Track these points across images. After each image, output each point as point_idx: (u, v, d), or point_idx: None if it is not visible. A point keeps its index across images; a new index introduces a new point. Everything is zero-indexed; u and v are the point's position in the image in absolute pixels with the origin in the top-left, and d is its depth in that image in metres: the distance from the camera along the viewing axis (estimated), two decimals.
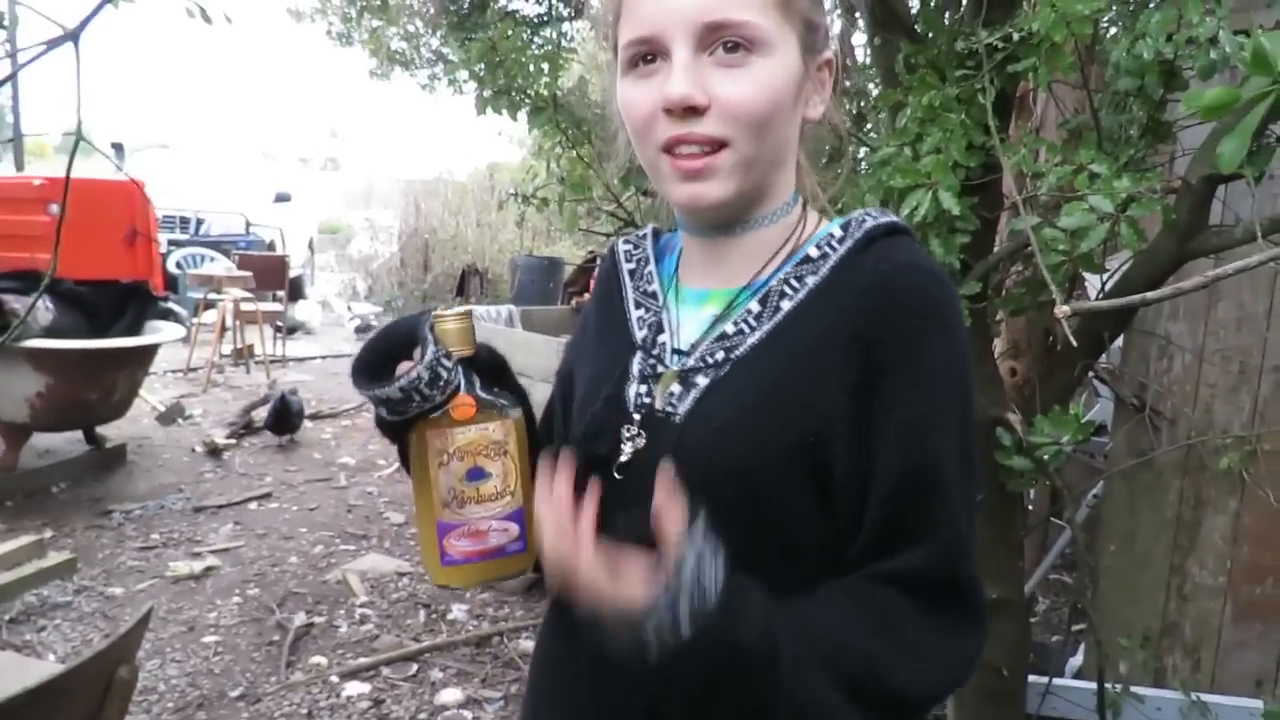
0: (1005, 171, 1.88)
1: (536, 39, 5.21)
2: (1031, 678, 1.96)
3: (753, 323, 0.74)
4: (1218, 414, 1.94)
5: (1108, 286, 1.86)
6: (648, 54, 0.71)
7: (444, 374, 0.71)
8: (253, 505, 3.90)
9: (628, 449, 0.75)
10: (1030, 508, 2.86)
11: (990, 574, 1.72)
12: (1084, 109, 2.00)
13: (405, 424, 0.74)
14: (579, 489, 0.76)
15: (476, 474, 0.74)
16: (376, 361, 0.75)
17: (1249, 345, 1.90)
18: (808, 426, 0.69)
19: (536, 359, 4.12)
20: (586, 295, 4.92)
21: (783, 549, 0.71)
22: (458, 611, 2.97)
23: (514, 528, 0.75)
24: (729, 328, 0.74)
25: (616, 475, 0.74)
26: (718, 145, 0.70)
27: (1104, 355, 2.33)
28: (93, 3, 1.15)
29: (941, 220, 1.67)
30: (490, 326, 4.73)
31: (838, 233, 0.75)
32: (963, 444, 0.70)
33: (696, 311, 0.78)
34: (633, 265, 0.86)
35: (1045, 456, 1.64)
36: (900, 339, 0.68)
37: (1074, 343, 1.62)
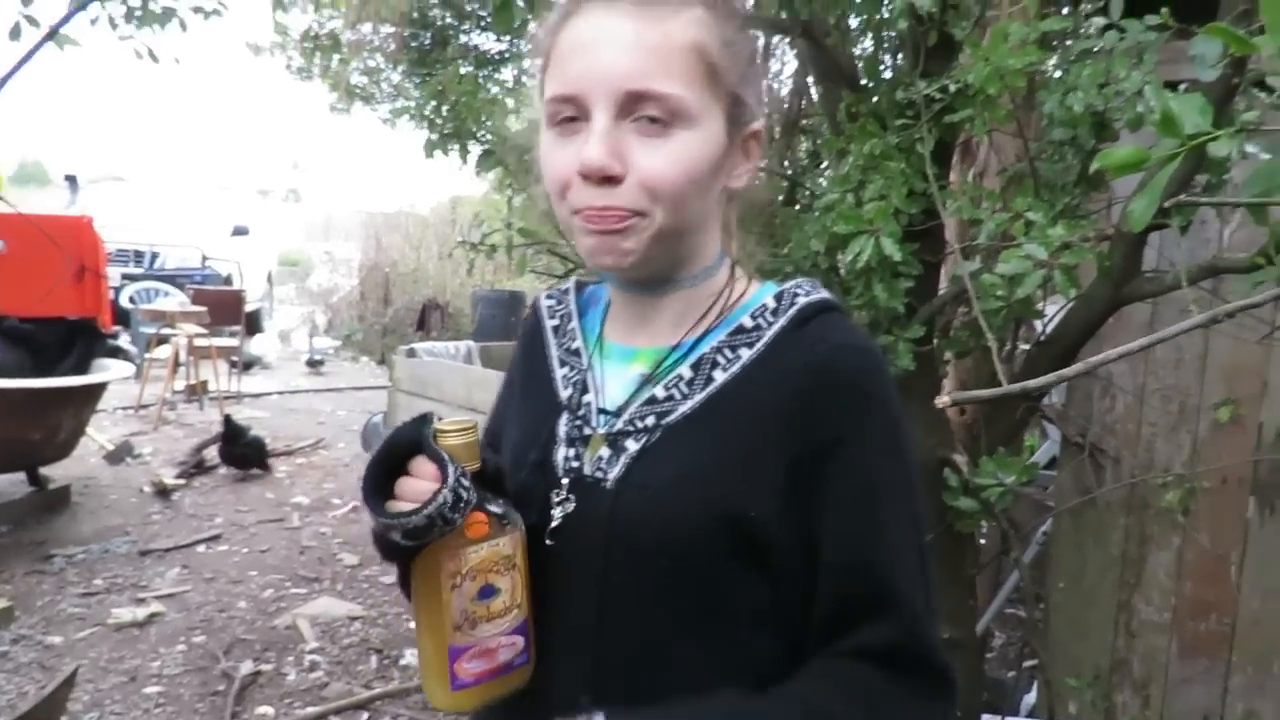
0: (945, 218, 1.93)
1: (497, 76, 5.23)
2: (985, 717, 1.97)
3: (685, 389, 0.74)
4: (1159, 452, 1.98)
5: (1047, 330, 1.91)
6: (570, 114, 0.70)
7: (464, 494, 0.68)
8: (201, 548, 3.80)
9: (558, 514, 0.74)
10: (983, 542, 2.89)
11: (942, 614, 1.73)
12: (1023, 157, 2.06)
13: (417, 548, 0.70)
14: None
15: (488, 592, 0.72)
16: (381, 480, 0.71)
17: (1187, 385, 1.95)
18: (744, 503, 0.69)
19: (493, 395, 4.10)
20: None
21: (718, 616, 0.71)
22: (410, 657, 2.92)
23: (520, 640, 0.73)
24: (659, 391, 0.74)
25: (548, 542, 0.73)
26: (635, 212, 0.69)
27: (1049, 395, 2.38)
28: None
29: (884, 265, 1.70)
30: (449, 364, 4.70)
31: (771, 303, 0.75)
32: (911, 514, 0.70)
33: (623, 370, 0.78)
34: (556, 321, 0.85)
35: (991, 498, 1.66)
36: (840, 419, 0.69)
37: (1004, 384, 1.66)
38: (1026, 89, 1.75)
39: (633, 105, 0.68)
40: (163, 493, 4.34)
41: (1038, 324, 2.01)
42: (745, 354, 0.74)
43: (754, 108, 0.74)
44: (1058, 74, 1.97)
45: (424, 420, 0.70)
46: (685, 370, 0.74)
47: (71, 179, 8.75)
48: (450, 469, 0.68)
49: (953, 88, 1.73)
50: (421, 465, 0.69)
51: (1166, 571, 1.97)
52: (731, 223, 0.79)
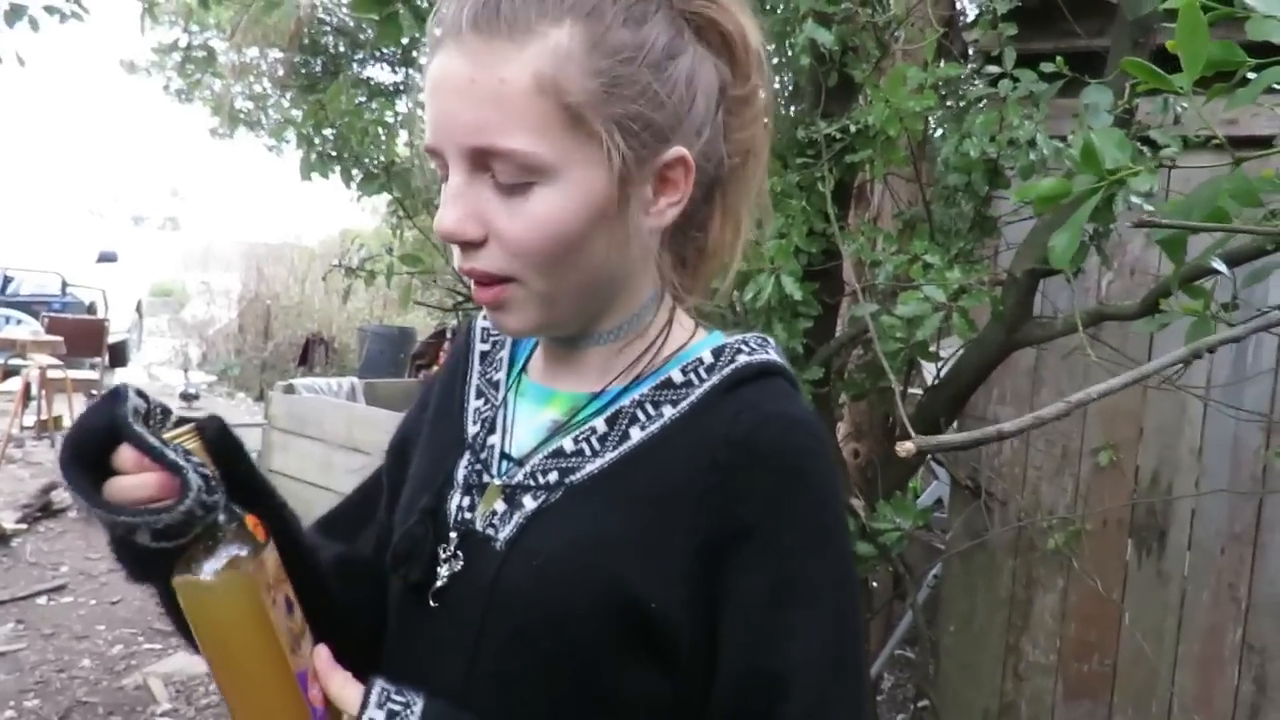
0: (845, 259, 1.93)
1: (394, 108, 5.12)
2: None
3: (596, 445, 0.65)
4: (1044, 495, 2.02)
5: (942, 373, 1.93)
6: (442, 167, 0.62)
7: (212, 481, 0.55)
8: (42, 600, 3.48)
9: (444, 572, 0.65)
10: (874, 585, 2.90)
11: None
12: (917, 201, 2.10)
13: (173, 556, 0.56)
14: (393, 615, 0.68)
15: (289, 605, 0.61)
16: (89, 476, 0.56)
17: (1069, 430, 2.00)
18: (643, 588, 0.60)
19: (377, 434, 3.92)
20: (435, 368, 4.76)
21: (602, 711, 0.62)
22: None
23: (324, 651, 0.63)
24: (567, 444, 0.65)
25: (432, 603, 0.65)
26: (504, 279, 0.61)
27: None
28: None
29: (785, 305, 1.69)
30: (330, 401, 4.49)
31: (707, 359, 0.66)
32: (835, 618, 0.60)
33: (535, 413, 0.69)
34: (487, 346, 0.76)
35: (888, 542, 1.65)
36: (756, 501, 0.60)
37: (910, 430, 1.65)
38: (922, 134, 1.78)
39: (484, 162, 0.60)
40: (1, 539, 3.96)
41: (930, 367, 2.04)
42: (668, 412, 0.64)
43: (665, 132, 0.62)
44: (952, 120, 2.02)
45: (115, 398, 0.56)
46: (600, 424, 0.65)
47: None
48: (169, 451, 0.54)
49: (853, 128, 1.75)
50: (126, 456, 0.55)
51: (1052, 613, 2.00)
52: (665, 264, 0.68)
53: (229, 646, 0.58)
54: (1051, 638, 2.00)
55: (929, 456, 2.28)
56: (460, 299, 3.08)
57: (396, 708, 0.60)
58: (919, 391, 2.17)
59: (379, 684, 0.60)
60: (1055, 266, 0.99)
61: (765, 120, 0.68)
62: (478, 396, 0.73)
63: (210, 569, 0.56)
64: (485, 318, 0.76)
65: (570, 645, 0.60)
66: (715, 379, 0.64)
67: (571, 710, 0.61)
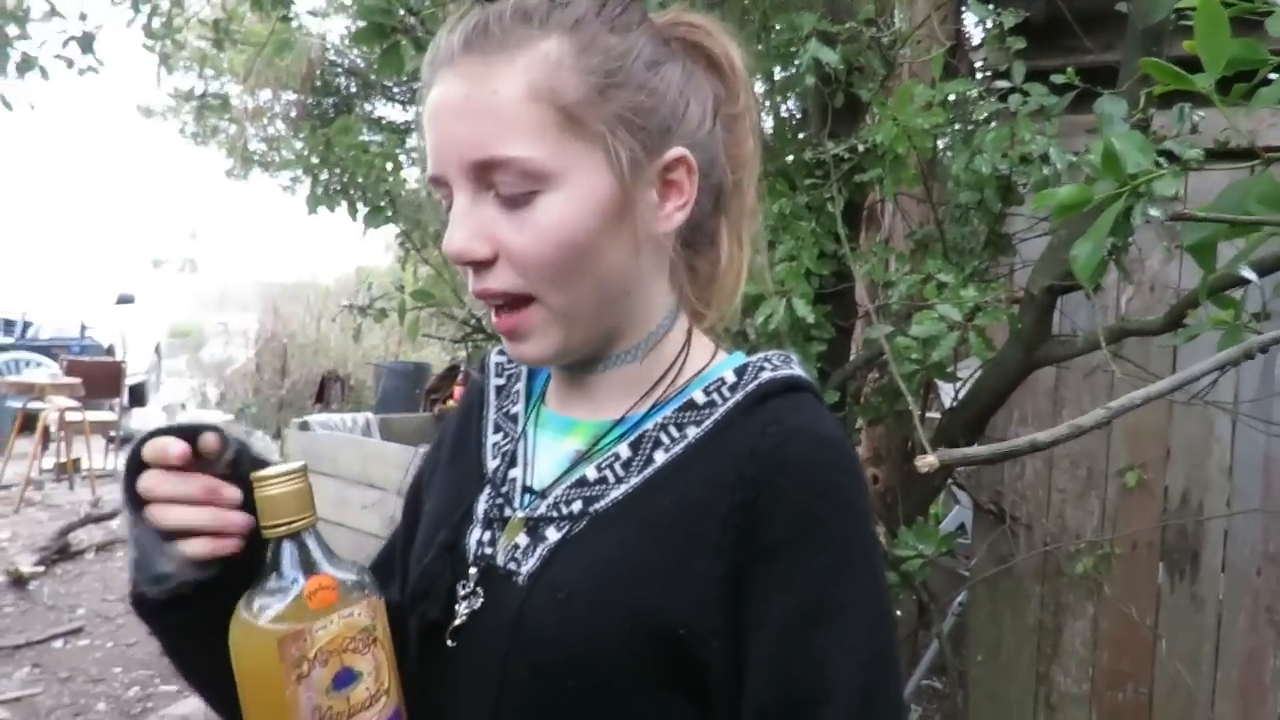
0: (857, 280, 1.89)
1: (406, 145, 5.19)
2: None
3: (620, 471, 0.63)
4: (1070, 519, 1.97)
5: (960, 395, 1.89)
6: (446, 196, 0.62)
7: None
8: (58, 643, 3.45)
9: (463, 609, 0.63)
10: (898, 613, 2.84)
11: None
12: (928, 221, 2.08)
13: (205, 612, 0.56)
14: (410, 656, 0.65)
15: (346, 678, 0.58)
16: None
17: (1094, 451, 1.95)
18: (673, 616, 0.58)
19: (391, 470, 3.90)
20: (450, 403, 4.75)
21: None
22: None
23: None
24: (591, 472, 0.64)
25: (450, 642, 0.63)
26: (522, 299, 0.61)
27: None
28: None
29: (797, 328, 1.66)
30: (345, 437, 4.48)
31: (730, 378, 0.65)
32: (868, 644, 0.57)
33: (557, 443, 0.68)
34: (501, 380, 0.75)
35: (911, 569, 1.60)
36: (783, 520, 0.58)
37: (929, 451, 1.61)
38: (931, 152, 1.76)
39: (486, 176, 0.60)
40: (18, 582, 3.96)
41: (948, 390, 2.00)
42: (691, 433, 0.63)
43: (662, 133, 0.62)
44: (961, 138, 2.00)
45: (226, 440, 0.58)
46: (623, 449, 0.64)
47: None
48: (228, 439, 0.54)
49: (861, 147, 1.73)
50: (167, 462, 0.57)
51: (1083, 640, 1.94)
52: (680, 279, 0.67)
53: (246, 693, 0.57)
54: (1084, 666, 1.93)
55: (950, 481, 2.23)
56: (469, 330, 3.07)
57: None
58: (937, 416, 2.13)
59: None
60: (1078, 278, 0.96)
61: (755, 142, 0.69)
62: (495, 431, 0.71)
63: (256, 615, 0.56)
64: (500, 352, 0.75)
65: (599, 681, 0.58)
66: (739, 396, 0.63)
67: None
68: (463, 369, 4.65)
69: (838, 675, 0.56)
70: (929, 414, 2.19)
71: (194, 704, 3.03)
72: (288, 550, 0.57)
